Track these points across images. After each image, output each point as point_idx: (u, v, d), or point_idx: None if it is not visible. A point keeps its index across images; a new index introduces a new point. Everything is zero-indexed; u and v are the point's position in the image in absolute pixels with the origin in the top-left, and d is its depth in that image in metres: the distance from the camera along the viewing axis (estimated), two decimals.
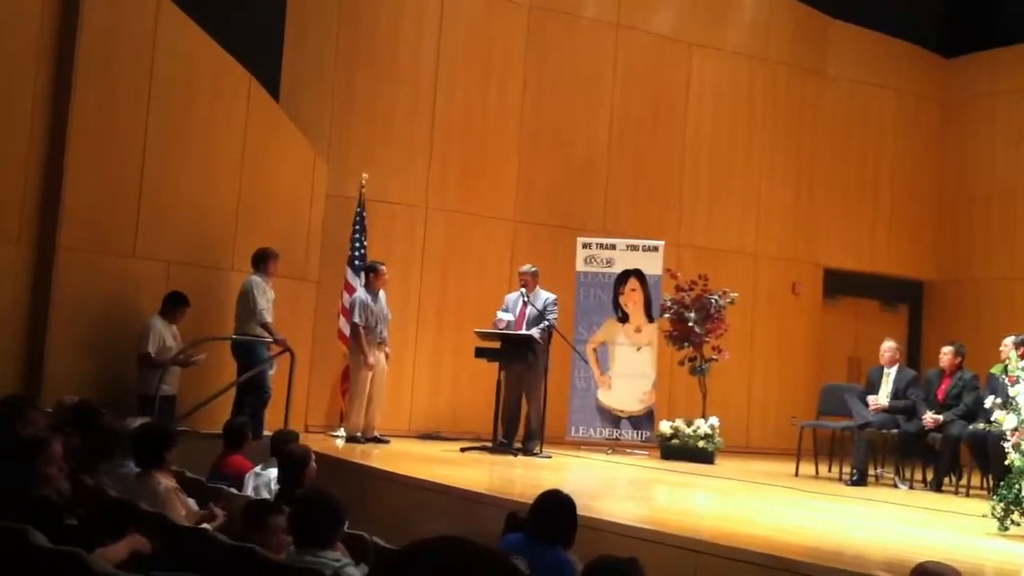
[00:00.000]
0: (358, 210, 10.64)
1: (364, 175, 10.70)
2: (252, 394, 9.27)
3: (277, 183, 10.39)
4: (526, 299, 10.10)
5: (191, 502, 5.44)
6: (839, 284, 13.83)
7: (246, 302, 9.38)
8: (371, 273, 10.08)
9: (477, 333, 9.98)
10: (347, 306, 10.35)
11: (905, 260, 14.16)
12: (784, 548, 5.72)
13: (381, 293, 10.12)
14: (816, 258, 13.64)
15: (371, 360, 9.86)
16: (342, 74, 11.14)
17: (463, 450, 9.82)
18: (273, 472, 6.13)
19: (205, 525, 5.21)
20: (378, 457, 8.92)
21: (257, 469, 6.47)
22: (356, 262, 10.53)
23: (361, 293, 10.02)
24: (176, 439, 5.62)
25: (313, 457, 5.76)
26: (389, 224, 11.21)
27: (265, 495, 5.86)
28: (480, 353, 9.92)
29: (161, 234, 9.65)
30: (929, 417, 9.33)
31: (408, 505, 7.45)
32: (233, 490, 6.10)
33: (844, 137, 13.82)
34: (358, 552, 4.57)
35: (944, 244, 14.25)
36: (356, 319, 9.94)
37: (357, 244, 10.58)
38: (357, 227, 10.61)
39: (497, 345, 9.90)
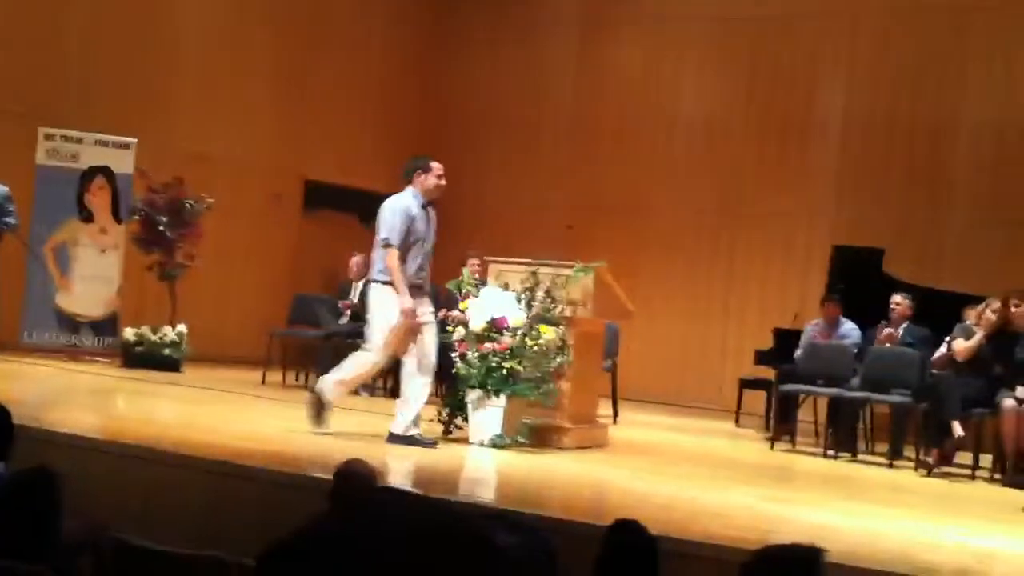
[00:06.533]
0: None
1: None
2: None
3: None
4: None
5: None
6: (320, 197, 13.97)
7: None
8: None
9: None
10: None
11: (385, 176, 14.57)
12: (243, 455, 5.78)
13: None
14: (299, 169, 13.66)
15: None
16: None
17: None
18: None
19: None
20: None
21: None
22: None
23: None
24: None
25: None
26: None
27: None
28: None
29: None
30: None
31: None
32: None
33: (334, 47, 13.89)
34: None
35: None
36: None
37: None
38: None
39: None
